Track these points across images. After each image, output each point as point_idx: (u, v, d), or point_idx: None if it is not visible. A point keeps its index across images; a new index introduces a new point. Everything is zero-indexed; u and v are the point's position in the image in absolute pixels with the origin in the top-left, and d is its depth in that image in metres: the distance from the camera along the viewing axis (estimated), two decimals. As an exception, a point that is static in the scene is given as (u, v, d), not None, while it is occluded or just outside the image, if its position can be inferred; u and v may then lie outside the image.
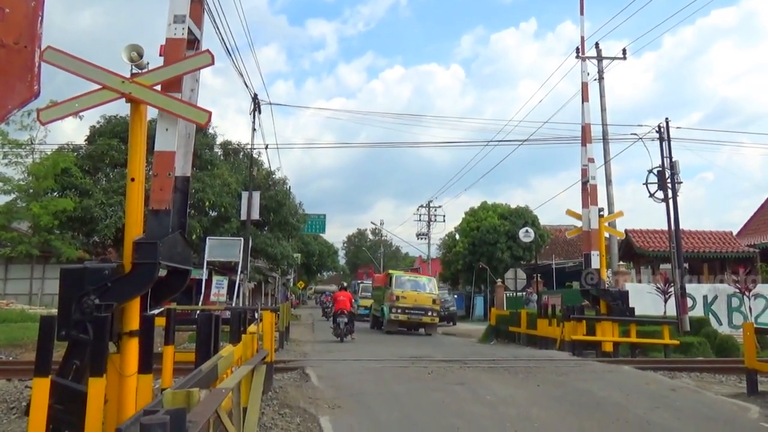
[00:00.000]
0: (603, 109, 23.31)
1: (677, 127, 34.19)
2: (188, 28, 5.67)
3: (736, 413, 7.41)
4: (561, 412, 7.18)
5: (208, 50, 5.37)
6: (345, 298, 19.54)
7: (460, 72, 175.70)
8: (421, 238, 50.79)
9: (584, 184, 15.64)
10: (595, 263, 14.92)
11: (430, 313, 22.04)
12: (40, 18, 1.63)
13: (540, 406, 7.44)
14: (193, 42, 5.96)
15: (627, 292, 15.44)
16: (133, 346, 4.74)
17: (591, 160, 15.73)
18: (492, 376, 9.69)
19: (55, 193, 24.13)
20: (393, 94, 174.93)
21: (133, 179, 5.11)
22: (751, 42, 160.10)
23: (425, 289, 22.91)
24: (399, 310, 21.68)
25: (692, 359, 13.01)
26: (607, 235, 18.17)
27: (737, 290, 17.99)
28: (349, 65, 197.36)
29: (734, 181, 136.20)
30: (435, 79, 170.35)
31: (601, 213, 16.01)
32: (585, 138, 15.89)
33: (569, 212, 16.46)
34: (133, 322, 4.84)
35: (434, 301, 22.49)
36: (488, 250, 35.52)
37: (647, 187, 17.94)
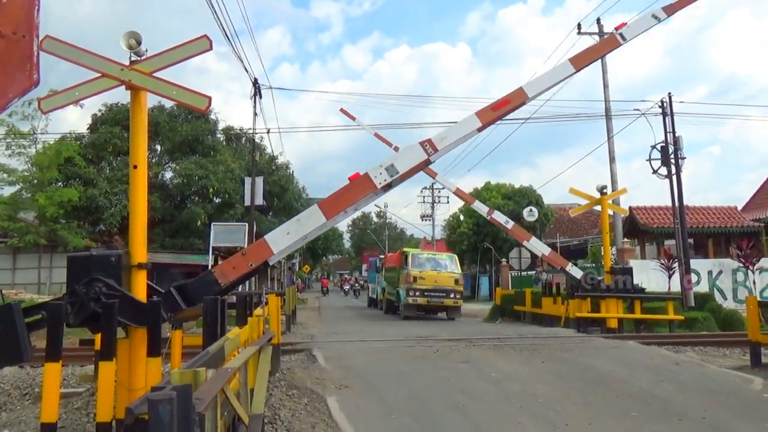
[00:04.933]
0: (605, 86, 23.10)
1: (680, 102, 33.93)
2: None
3: (739, 385, 7.49)
4: (565, 387, 7.26)
5: (206, 35, 5.36)
6: (326, 282, 55.50)
7: (467, 51, 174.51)
8: (426, 220, 50.77)
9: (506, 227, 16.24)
10: (576, 273, 14.89)
11: (452, 295, 19.71)
12: (36, 8, 1.65)
13: (544, 382, 7.52)
14: (387, 186, 6.11)
15: (631, 269, 15.48)
16: (141, 331, 4.81)
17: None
18: (497, 354, 9.79)
19: (60, 183, 24.22)
20: (399, 75, 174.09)
21: (135, 166, 5.15)
22: (763, 12, 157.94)
23: (446, 268, 20.62)
24: (417, 293, 19.39)
25: (696, 334, 13.10)
26: (610, 212, 18.17)
27: (741, 265, 18.00)
28: (354, 46, 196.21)
29: (740, 155, 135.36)
30: (441, 58, 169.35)
31: (605, 190, 16.00)
32: (465, 197, 17.03)
33: (572, 190, 16.45)
34: (141, 308, 4.91)
35: (457, 282, 20.08)
36: (492, 230, 35.46)
37: (650, 163, 17.90)
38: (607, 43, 7.27)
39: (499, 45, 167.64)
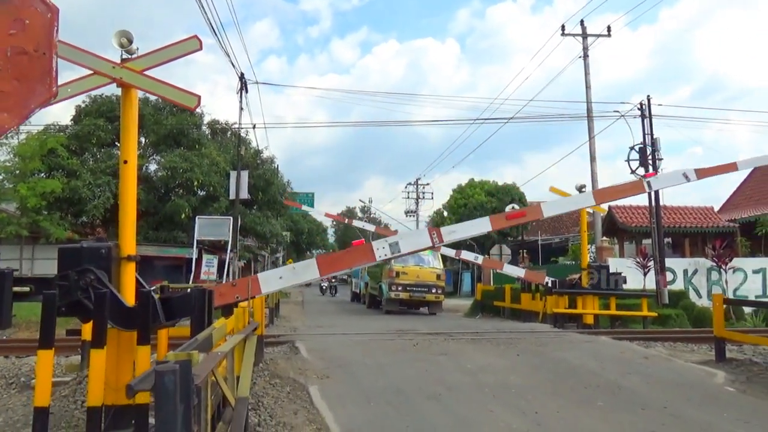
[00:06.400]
0: (587, 87, 23.53)
1: (659, 105, 34.56)
2: None
3: (703, 378, 7.87)
4: (538, 378, 7.59)
5: (196, 36, 5.55)
6: None
7: (455, 47, 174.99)
8: (410, 216, 51.25)
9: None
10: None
11: (434, 290, 20.09)
12: (55, 28, 1.86)
13: (518, 373, 7.84)
14: (386, 260, 6.34)
15: (608, 267, 15.91)
16: (130, 320, 4.98)
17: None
18: (474, 347, 10.10)
19: (42, 174, 24.08)
20: (387, 70, 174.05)
21: (126, 162, 5.31)
22: (747, 14, 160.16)
23: (428, 264, 20.83)
24: (399, 288, 19.72)
25: (667, 330, 13.53)
26: (590, 211, 18.59)
27: (715, 264, 18.54)
28: (343, 40, 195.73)
29: (722, 157, 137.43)
30: (430, 54, 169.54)
31: (583, 189, 16.37)
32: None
33: (552, 189, 16.80)
34: (130, 297, 5.09)
35: (438, 277, 20.43)
36: (475, 226, 35.92)
37: (629, 163, 18.34)
38: (634, 187, 7.52)
39: (487, 42, 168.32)
